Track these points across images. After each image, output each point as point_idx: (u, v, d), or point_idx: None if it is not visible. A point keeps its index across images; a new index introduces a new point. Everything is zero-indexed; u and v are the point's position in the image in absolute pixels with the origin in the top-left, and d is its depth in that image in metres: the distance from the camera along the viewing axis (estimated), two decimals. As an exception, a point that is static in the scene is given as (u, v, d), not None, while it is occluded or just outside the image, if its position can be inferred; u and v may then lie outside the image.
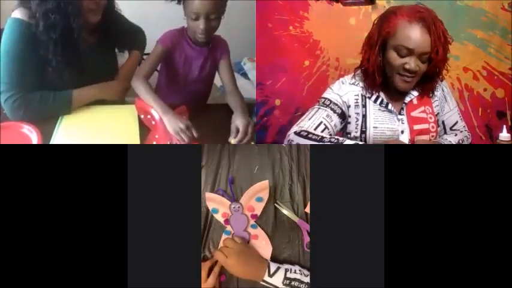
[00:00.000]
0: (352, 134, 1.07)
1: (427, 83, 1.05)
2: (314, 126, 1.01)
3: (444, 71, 1.05)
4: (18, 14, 1.10)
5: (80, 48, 1.13)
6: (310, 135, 0.96)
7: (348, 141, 0.94)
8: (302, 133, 0.97)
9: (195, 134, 1.07)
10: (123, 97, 1.31)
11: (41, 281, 0.75)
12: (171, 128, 1.08)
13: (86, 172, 0.78)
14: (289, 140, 0.98)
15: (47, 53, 1.09)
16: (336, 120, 1.03)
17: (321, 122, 1.01)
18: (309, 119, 1.02)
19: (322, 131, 1.01)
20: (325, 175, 0.79)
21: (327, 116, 1.03)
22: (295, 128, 1.00)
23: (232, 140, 1.10)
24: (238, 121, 1.13)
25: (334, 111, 1.04)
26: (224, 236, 0.88)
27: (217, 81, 1.56)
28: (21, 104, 1.09)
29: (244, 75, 2.38)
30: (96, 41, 1.26)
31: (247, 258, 0.82)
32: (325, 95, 1.07)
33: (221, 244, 0.86)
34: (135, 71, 1.39)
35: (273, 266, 0.80)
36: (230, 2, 1.30)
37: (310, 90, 1.52)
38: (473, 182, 0.78)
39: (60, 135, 1.07)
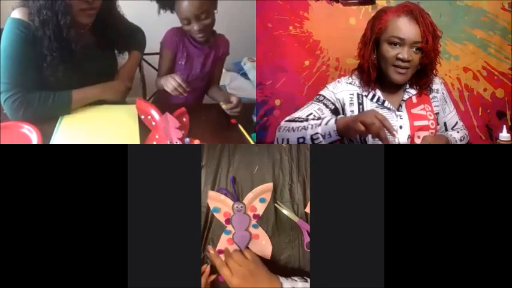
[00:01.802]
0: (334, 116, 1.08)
1: (422, 78, 1.08)
2: (304, 116, 1.04)
3: (440, 72, 1.08)
4: (17, 14, 1.10)
5: (71, 46, 1.13)
6: (296, 119, 1.01)
7: (327, 118, 0.94)
8: (290, 119, 1.03)
9: (184, 86, 1.22)
10: (124, 97, 1.31)
11: (41, 281, 0.75)
12: (161, 82, 1.25)
13: (86, 172, 0.78)
14: (278, 128, 1.02)
15: (42, 48, 1.10)
16: (327, 114, 1.05)
17: (311, 113, 1.04)
18: (301, 111, 1.06)
19: None
20: (325, 175, 0.78)
21: (318, 109, 1.05)
22: (287, 118, 1.05)
23: (224, 105, 1.27)
24: (233, 97, 1.29)
25: (327, 106, 1.07)
26: (224, 236, 0.88)
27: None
28: (21, 104, 1.09)
29: (244, 75, 2.38)
30: (96, 41, 1.26)
31: (256, 279, 0.73)
32: (320, 92, 1.11)
33: (221, 246, 0.86)
34: (135, 71, 1.40)
35: (287, 285, 0.73)
36: (230, 2, 1.31)
37: (310, 90, 1.52)
38: (473, 182, 0.78)
39: (60, 135, 1.07)
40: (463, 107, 1.52)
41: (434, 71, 1.08)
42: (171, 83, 1.22)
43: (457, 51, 1.49)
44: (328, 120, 0.92)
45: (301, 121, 0.99)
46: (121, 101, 1.29)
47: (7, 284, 0.74)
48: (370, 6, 1.45)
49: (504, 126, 1.05)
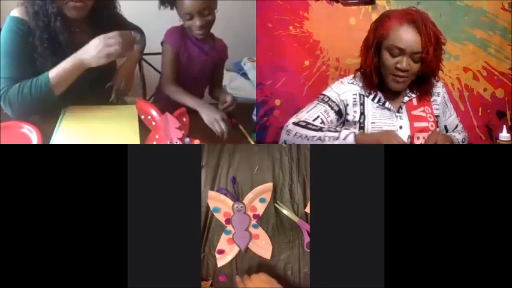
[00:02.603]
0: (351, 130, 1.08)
1: (422, 86, 1.08)
2: (312, 119, 1.03)
3: (440, 72, 1.07)
4: (15, 12, 1.11)
5: (59, 37, 1.12)
6: (309, 126, 0.99)
7: (344, 132, 0.95)
8: (301, 123, 1.00)
9: (224, 128, 1.12)
10: (107, 60, 1.14)
11: (41, 281, 0.75)
12: (207, 118, 1.16)
13: (86, 172, 0.77)
14: (287, 131, 1.00)
15: (35, 39, 1.10)
16: (332, 116, 1.05)
17: (318, 116, 1.03)
18: (307, 112, 1.05)
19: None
20: (325, 175, 0.79)
21: (325, 111, 1.05)
22: (293, 119, 1.02)
23: (220, 106, 1.31)
24: (228, 96, 1.32)
25: (332, 108, 1.06)
26: (224, 236, 0.88)
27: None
28: (5, 99, 1.08)
29: (244, 75, 2.38)
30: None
31: None
32: (324, 92, 1.10)
33: (221, 246, 0.86)
34: (134, 70, 1.40)
35: None
36: (230, 2, 1.31)
37: (310, 90, 1.52)
38: (473, 182, 0.78)
39: (60, 135, 1.07)
40: (463, 107, 1.52)
41: (436, 78, 1.08)
42: (213, 116, 1.17)
43: (457, 51, 1.49)
44: (346, 136, 0.93)
45: (316, 130, 0.97)
46: (101, 63, 1.13)
47: (7, 284, 0.74)
48: (370, 6, 1.44)
49: (504, 126, 1.04)
